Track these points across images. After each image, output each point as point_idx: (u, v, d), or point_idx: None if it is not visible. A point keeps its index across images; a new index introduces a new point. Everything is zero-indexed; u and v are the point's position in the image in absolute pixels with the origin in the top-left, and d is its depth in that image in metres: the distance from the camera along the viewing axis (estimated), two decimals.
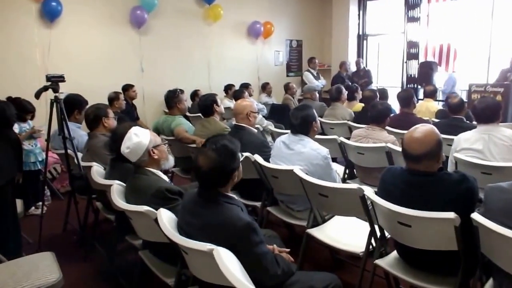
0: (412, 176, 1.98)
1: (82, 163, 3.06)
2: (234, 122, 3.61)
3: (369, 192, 2.15)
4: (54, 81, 3.05)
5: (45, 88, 3.04)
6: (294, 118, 2.84)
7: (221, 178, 1.78)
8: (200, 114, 5.45)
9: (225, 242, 1.59)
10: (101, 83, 5.74)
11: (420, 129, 2.00)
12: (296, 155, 2.80)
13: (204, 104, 3.75)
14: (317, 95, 6.06)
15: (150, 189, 2.13)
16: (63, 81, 3.09)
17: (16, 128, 3.92)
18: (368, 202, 2.21)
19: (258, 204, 3.13)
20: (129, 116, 5.44)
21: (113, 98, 5.04)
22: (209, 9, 7.47)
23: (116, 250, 3.15)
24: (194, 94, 6.65)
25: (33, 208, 4.36)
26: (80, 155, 3.27)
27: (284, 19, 8.89)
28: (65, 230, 3.88)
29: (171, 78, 6.85)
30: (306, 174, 2.55)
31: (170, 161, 2.38)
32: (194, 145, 3.55)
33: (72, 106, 3.61)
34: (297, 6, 9.11)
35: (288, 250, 2.05)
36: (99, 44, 6.29)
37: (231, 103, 6.39)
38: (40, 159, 4.27)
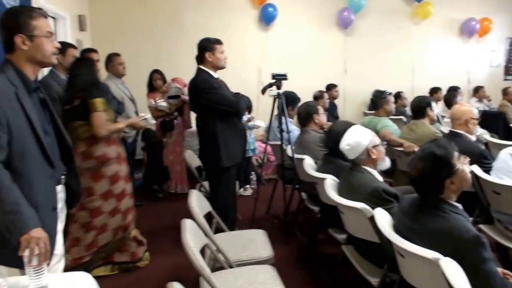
0: None
1: (296, 156, 3.33)
2: (442, 128, 3.42)
3: None
4: (278, 79, 3.40)
5: (270, 85, 3.42)
6: None
7: (430, 186, 1.73)
8: (401, 117, 5.30)
9: (448, 252, 1.52)
10: (307, 82, 6.06)
11: None
12: None
13: (418, 106, 3.63)
14: None
15: (367, 188, 2.20)
16: (286, 79, 3.42)
17: None
18: None
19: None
20: (330, 115, 5.64)
21: (318, 97, 5.31)
22: (418, 7, 7.14)
23: (317, 240, 3.34)
24: (397, 96, 6.45)
25: (241, 189, 4.92)
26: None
27: (505, 14, 7.81)
28: (268, 213, 4.28)
29: (373, 79, 6.83)
30: None
31: (386, 162, 2.39)
32: (400, 148, 3.48)
33: (287, 102, 3.94)
34: None
35: None
36: (307, 45, 6.71)
37: (436, 108, 5.98)
38: (252, 147, 4.82)
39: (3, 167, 1.55)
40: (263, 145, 4.89)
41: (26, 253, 1.46)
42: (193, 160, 3.76)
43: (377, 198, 2.13)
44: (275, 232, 3.74)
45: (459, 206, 1.76)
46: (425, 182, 1.74)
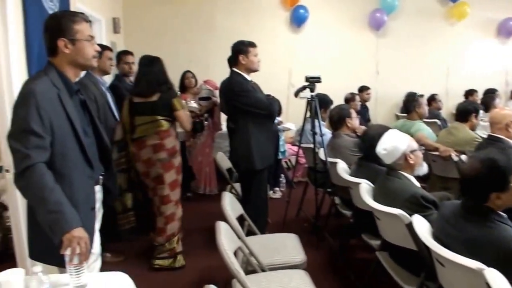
0: None
1: (329, 159, 3.29)
2: (478, 131, 3.31)
3: None
4: (312, 81, 3.36)
5: (303, 88, 3.38)
6: None
7: (475, 191, 1.67)
8: (436, 120, 5.16)
9: (492, 262, 1.47)
10: (338, 84, 5.95)
11: None
12: None
13: (465, 109, 3.52)
14: None
15: (404, 193, 2.14)
16: (320, 81, 3.38)
17: None
18: None
19: None
20: (362, 117, 5.55)
21: (349, 99, 5.25)
22: (453, 7, 6.93)
23: (348, 245, 3.28)
24: (431, 99, 6.27)
25: (271, 192, 4.90)
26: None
27: None
28: (297, 216, 4.25)
29: (406, 81, 6.68)
30: None
31: (424, 167, 2.33)
32: (435, 153, 3.38)
33: (319, 105, 3.89)
34: None
35: None
36: (338, 47, 6.61)
37: None
38: (282, 150, 4.80)
39: (46, 168, 1.60)
40: (293, 148, 4.87)
41: (67, 252, 1.49)
42: (224, 162, 3.78)
43: (415, 204, 2.07)
44: (306, 236, 3.70)
45: (504, 215, 1.69)
46: (473, 185, 1.68)
